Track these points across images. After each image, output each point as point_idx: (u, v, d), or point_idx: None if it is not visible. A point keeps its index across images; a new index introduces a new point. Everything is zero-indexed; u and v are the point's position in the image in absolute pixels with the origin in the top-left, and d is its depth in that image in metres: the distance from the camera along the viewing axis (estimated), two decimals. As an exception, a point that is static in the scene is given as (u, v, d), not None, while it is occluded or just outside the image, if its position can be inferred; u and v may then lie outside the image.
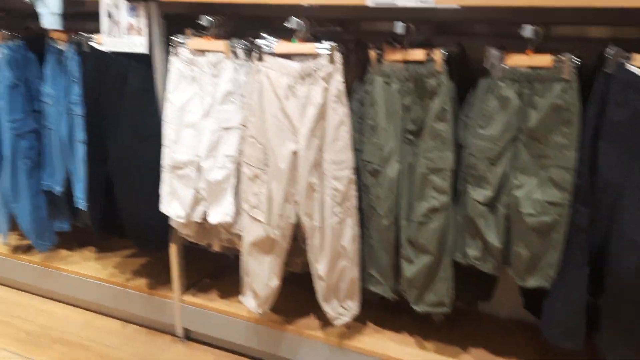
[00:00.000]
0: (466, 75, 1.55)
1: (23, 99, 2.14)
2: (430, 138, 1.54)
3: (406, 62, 1.54)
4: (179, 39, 1.77)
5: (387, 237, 1.66)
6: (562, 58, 1.36)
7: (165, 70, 1.82)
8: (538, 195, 1.43)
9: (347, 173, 1.65)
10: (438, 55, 1.49)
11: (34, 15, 1.92)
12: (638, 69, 1.29)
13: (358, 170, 1.67)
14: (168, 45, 1.80)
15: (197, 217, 1.85)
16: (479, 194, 1.50)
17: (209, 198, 1.81)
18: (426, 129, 1.55)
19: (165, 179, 1.86)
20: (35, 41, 2.13)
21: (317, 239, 1.69)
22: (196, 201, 1.84)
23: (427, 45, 1.56)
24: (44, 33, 2.04)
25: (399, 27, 1.47)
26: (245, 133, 1.73)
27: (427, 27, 1.59)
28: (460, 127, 1.54)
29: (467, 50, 1.62)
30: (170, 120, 1.81)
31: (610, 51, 1.32)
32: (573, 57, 1.35)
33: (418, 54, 1.52)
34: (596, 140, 1.35)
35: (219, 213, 1.81)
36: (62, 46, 2.02)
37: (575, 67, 1.36)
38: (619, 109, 1.30)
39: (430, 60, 1.51)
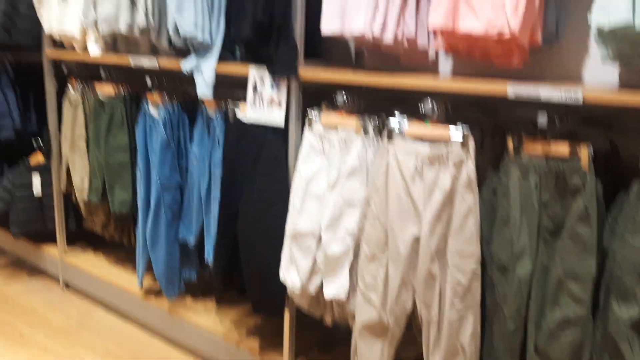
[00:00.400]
0: (617, 174, 1.39)
1: (173, 156, 2.34)
2: (570, 240, 1.39)
3: (547, 155, 1.43)
4: (313, 113, 1.82)
5: (512, 342, 1.50)
6: None
7: (299, 141, 1.88)
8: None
9: (472, 265, 1.54)
10: (584, 151, 1.36)
11: (191, 81, 2.11)
12: None
13: (484, 264, 1.55)
14: (303, 119, 1.86)
15: (312, 289, 1.84)
16: (624, 311, 1.31)
17: (325, 271, 1.80)
18: (565, 229, 1.40)
19: (286, 245, 1.89)
20: (190, 105, 2.35)
21: (433, 332, 1.59)
22: (313, 272, 1.84)
23: (572, 137, 1.44)
24: (198, 98, 2.23)
25: (542, 118, 1.37)
26: (367, 211, 1.71)
27: (573, 118, 1.47)
28: (606, 231, 1.37)
29: (619, 146, 1.46)
30: (297, 189, 1.86)
31: None
32: None
33: (561, 149, 1.40)
34: None
35: (334, 288, 1.78)
36: (211, 112, 2.19)
37: None
38: None
39: (575, 156, 1.38)
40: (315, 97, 1.88)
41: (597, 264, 1.36)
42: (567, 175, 1.38)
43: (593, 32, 1.28)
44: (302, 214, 1.84)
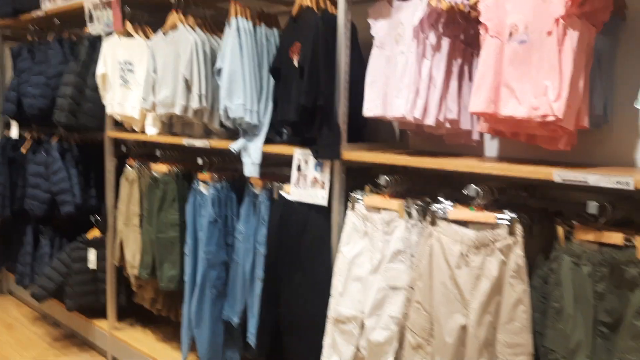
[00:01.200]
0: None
1: (219, 234, 2.38)
2: (630, 337, 1.28)
3: (602, 243, 1.35)
4: (357, 194, 1.82)
5: None
6: None
7: (342, 222, 1.87)
8: None
9: (524, 359, 1.44)
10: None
11: (240, 160, 2.17)
12: None
13: (538, 358, 1.45)
14: (346, 199, 1.86)
15: (354, 377, 1.77)
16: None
17: (368, 358, 1.73)
18: (624, 324, 1.30)
19: (328, 330, 1.84)
20: (238, 183, 2.40)
21: None
22: (356, 359, 1.77)
23: (627, 225, 1.36)
24: (245, 177, 2.29)
25: (592, 208, 1.31)
26: (411, 296, 1.65)
27: (627, 204, 1.40)
28: (672, 329, 1.26)
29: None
30: (340, 271, 1.83)
31: None
32: None
33: (615, 238, 1.32)
34: None
35: (378, 377, 1.70)
36: (257, 190, 2.23)
37: None
38: None
39: (630, 245, 1.30)
40: (360, 177, 1.89)
41: (664, 364, 1.24)
42: (623, 265, 1.30)
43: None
44: (345, 297, 1.80)
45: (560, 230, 1.42)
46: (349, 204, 1.84)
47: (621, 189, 1.29)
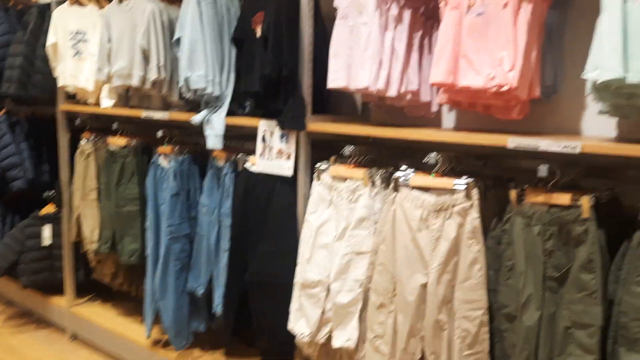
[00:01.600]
0: (619, 223, 1.42)
1: (182, 207, 2.39)
2: (575, 289, 1.41)
3: (550, 205, 1.47)
4: (322, 165, 1.88)
5: (522, 392, 1.50)
6: None
7: (308, 193, 1.93)
8: None
9: (480, 314, 1.55)
10: (585, 201, 1.39)
11: (202, 133, 2.18)
12: None
13: (492, 313, 1.57)
14: (312, 170, 1.91)
15: (321, 338, 1.85)
16: (632, 359, 1.31)
17: (334, 320, 1.81)
18: (570, 278, 1.42)
19: (295, 296, 1.91)
20: (200, 156, 2.41)
21: (442, 381, 1.58)
22: (322, 322, 1.85)
23: (574, 188, 1.47)
24: (207, 150, 2.29)
25: (543, 171, 1.41)
26: (375, 260, 1.74)
27: (575, 169, 1.51)
28: (611, 280, 1.39)
29: (621, 196, 1.50)
30: (306, 239, 1.89)
31: None
32: None
33: (563, 198, 1.44)
34: None
35: (343, 337, 1.79)
36: (221, 163, 2.25)
37: None
38: None
39: (576, 205, 1.41)
40: (324, 149, 1.94)
41: (604, 312, 1.37)
42: (570, 224, 1.41)
43: (588, 87, 1.34)
44: (311, 263, 1.87)
45: (512, 193, 1.53)
46: (315, 175, 1.90)
47: (569, 156, 1.39)
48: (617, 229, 1.41)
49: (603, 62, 1.28)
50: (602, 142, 1.40)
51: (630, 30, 1.26)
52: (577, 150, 1.35)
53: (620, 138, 1.57)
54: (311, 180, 1.92)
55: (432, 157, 1.62)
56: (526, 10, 1.43)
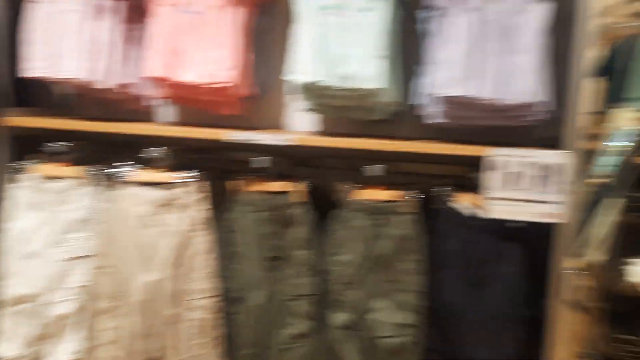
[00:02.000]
0: (325, 205, 1.65)
1: None
2: (291, 265, 1.59)
3: (266, 192, 1.61)
4: (25, 165, 1.67)
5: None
6: (408, 193, 1.52)
7: (5, 197, 1.69)
8: (391, 318, 1.52)
9: (211, 302, 1.62)
10: (296, 187, 1.58)
11: None
12: (459, 206, 1.50)
13: (224, 298, 1.65)
14: (13, 171, 1.68)
15: (40, 358, 1.66)
16: (337, 318, 1.56)
17: (55, 335, 1.65)
18: (287, 256, 1.60)
19: (6, 314, 1.66)
20: None
21: (180, 373, 1.61)
22: (39, 339, 1.66)
23: (287, 177, 1.65)
24: None
25: (256, 163, 1.55)
26: (97, 263, 1.64)
27: (288, 160, 1.68)
28: (320, 255, 1.61)
29: (328, 182, 1.72)
30: (10, 251, 1.66)
31: (436, 189, 1.52)
32: (417, 192, 1.53)
33: (276, 186, 1.60)
34: (439, 267, 1.50)
35: (67, 351, 1.65)
36: None
37: (419, 201, 1.52)
38: (451, 240, 1.47)
39: (288, 191, 1.59)
40: (27, 146, 1.72)
41: (315, 283, 1.58)
42: (283, 208, 1.58)
43: (287, 88, 1.51)
44: (20, 276, 1.66)
45: (232, 184, 1.63)
46: (15, 176, 1.67)
47: (281, 147, 1.55)
48: (323, 209, 1.64)
49: (299, 66, 1.47)
50: (308, 136, 1.60)
51: (320, 38, 1.46)
52: (288, 143, 1.52)
53: (321, 132, 1.80)
54: (11, 182, 1.68)
55: (152, 151, 1.60)
56: (238, 12, 1.53)
